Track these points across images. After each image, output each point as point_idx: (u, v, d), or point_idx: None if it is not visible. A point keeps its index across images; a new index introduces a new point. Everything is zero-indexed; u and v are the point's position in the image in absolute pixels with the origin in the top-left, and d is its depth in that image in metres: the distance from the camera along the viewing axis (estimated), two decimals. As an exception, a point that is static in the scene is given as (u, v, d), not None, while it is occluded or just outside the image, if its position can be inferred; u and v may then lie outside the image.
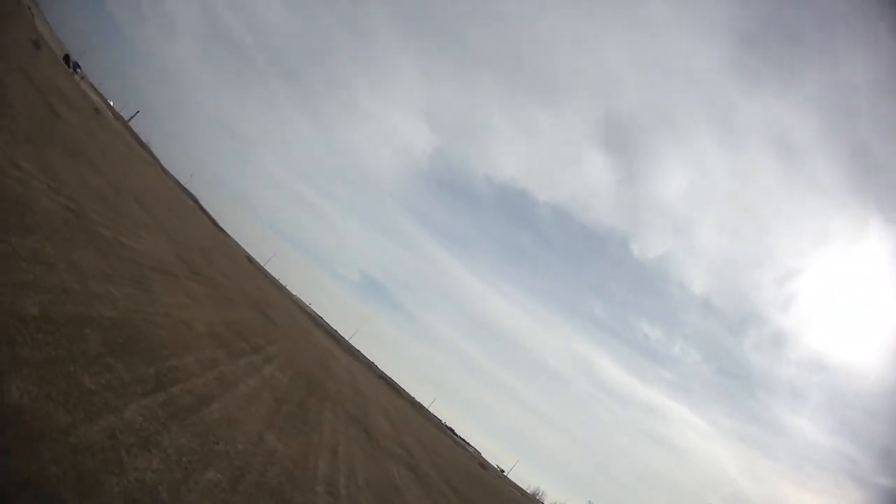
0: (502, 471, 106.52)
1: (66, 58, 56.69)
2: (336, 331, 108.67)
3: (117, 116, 72.54)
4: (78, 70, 65.01)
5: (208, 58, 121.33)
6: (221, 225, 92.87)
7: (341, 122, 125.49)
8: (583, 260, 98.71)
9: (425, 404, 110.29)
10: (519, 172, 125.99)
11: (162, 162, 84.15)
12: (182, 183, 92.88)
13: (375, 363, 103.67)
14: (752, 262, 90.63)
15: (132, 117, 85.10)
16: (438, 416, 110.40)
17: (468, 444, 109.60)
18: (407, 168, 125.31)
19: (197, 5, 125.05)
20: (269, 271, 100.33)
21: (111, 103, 76.50)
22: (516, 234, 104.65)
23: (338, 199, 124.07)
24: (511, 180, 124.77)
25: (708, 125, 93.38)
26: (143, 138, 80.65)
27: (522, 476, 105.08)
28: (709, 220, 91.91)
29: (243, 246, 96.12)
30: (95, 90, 69.74)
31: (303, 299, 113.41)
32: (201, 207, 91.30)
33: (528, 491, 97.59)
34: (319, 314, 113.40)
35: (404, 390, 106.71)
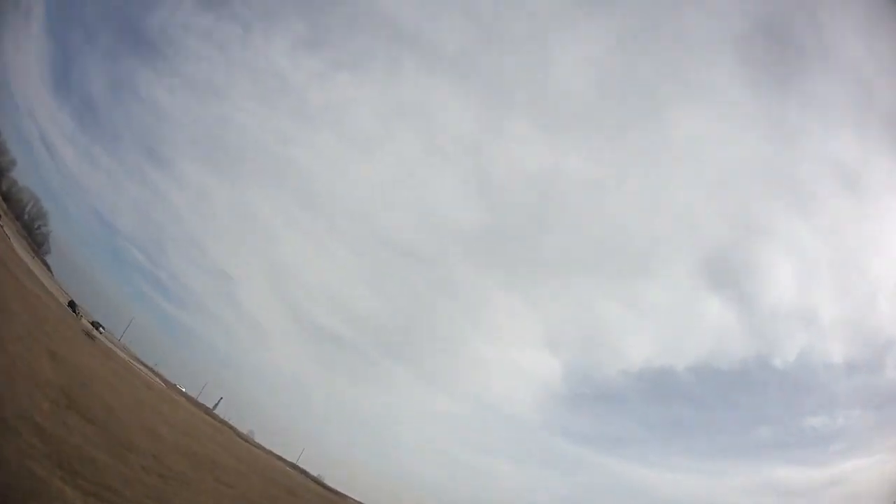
0: None
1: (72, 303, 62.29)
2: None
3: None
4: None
5: (313, 354, 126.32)
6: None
7: (464, 379, 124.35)
8: (736, 401, 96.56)
9: None
10: (650, 353, 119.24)
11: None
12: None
13: None
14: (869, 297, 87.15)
15: (216, 405, 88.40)
16: None
17: None
18: (542, 396, 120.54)
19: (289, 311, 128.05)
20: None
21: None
22: (668, 410, 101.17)
23: (487, 450, 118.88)
24: (646, 364, 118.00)
25: (790, 214, 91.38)
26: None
27: None
28: (825, 293, 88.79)
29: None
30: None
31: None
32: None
33: None
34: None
35: None
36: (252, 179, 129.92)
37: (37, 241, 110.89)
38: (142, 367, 78.81)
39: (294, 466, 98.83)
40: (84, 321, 65.00)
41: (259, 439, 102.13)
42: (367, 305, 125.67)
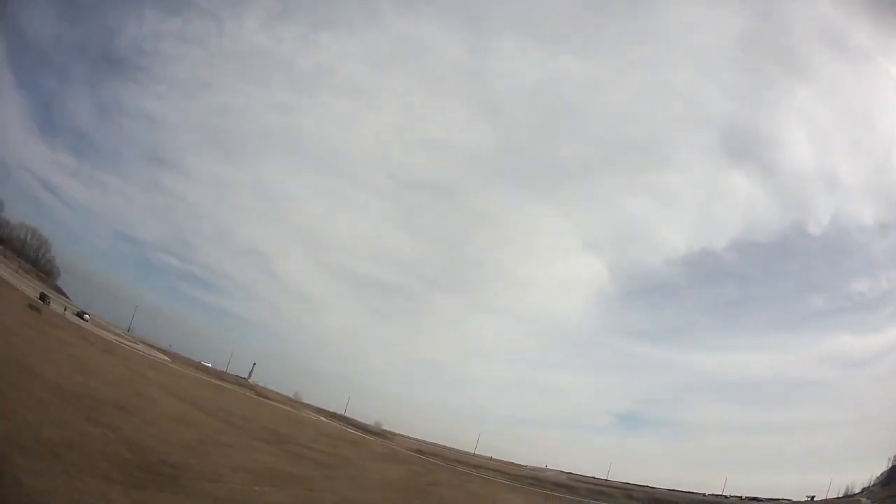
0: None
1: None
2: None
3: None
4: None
5: (362, 306, 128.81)
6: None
7: (514, 299, 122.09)
8: (781, 271, 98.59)
9: None
10: (688, 239, 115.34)
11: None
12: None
13: None
14: (883, 155, 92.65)
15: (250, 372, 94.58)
16: None
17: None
18: (593, 300, 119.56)
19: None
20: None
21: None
22: (718, 290, 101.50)
23: (550, 365, 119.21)
24: (687, 249, 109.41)
25: (791, 83, 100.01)
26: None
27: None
28: (841, 156, 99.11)
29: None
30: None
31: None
32: None
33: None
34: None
35: None
36: (263, 157, 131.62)
37: (44, 270, 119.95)
38: (138, 345, 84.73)
39: (341, 417, 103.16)
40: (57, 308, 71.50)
41: (308, 399, 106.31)
42: (405, 247, 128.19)
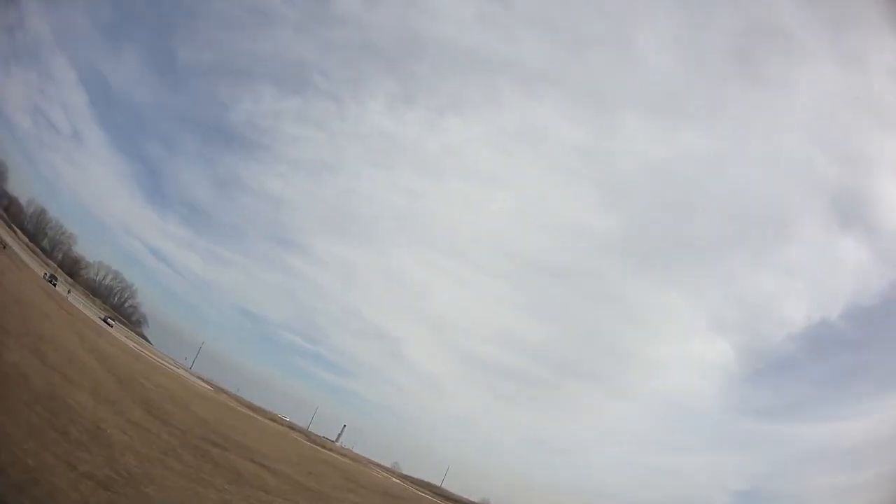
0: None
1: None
2: None
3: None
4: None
5: (487, 391, 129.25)
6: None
7: (640, 383, 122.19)
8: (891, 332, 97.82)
9: None
10: (806, 311, 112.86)
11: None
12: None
13: None
14: None
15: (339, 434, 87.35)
16: None
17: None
18: (718, 381, 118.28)
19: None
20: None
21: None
22: (835, 360, 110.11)
23: (674, 448, 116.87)
24: (805, 322, 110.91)
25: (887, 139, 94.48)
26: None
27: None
28: None
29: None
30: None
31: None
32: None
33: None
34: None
35: None
36: (390, 239, 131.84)
37: (125, 315, 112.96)
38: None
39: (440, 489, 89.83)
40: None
41: (408, 471, 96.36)
42: (532, 332, 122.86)
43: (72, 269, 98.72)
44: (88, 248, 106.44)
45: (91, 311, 67.55)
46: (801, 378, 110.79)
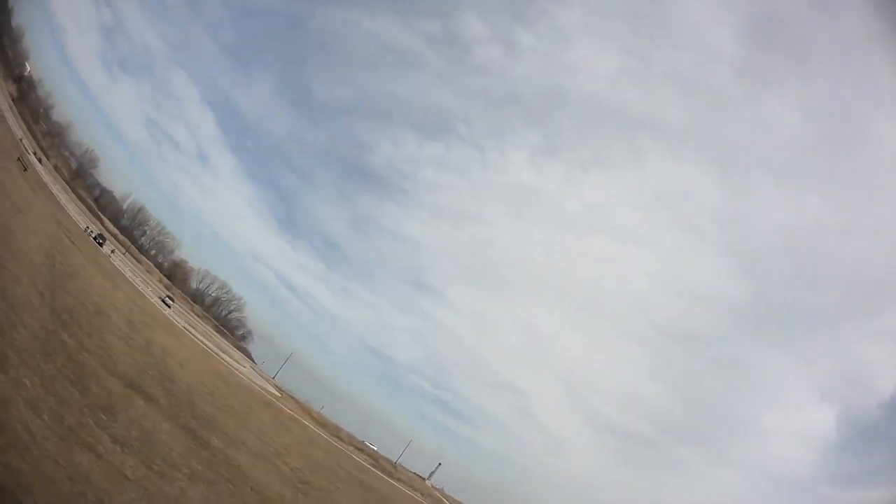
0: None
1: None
2: None
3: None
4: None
5: (604, 452, 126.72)
6: None
7: (748, 451, 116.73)
8: None
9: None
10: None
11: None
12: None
13: None
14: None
15: (432, 472, 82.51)
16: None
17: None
18: (821, 451, 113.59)
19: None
20: None
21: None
22: None
23: None
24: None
25: None
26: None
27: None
28: None
29: None
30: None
31: None
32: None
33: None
34: None
35: None
36: (525, 292, 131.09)
37: (229, 328, 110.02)
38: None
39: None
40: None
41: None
42: (655, 395, 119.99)
43: (172, 271, 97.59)
44: (201, 259, 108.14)
45: (153, 290, 60.41)
46: (888, 444, 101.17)
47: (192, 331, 56.51)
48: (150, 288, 59.46)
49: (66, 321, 21.27)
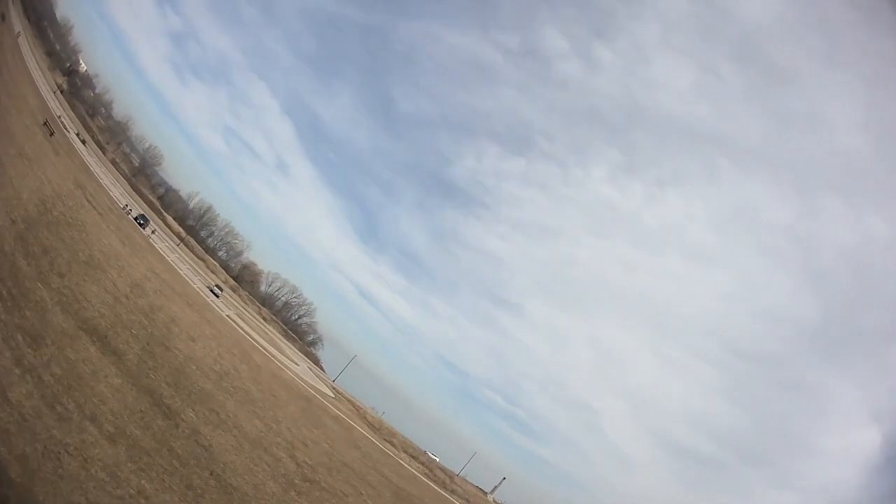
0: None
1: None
2: None
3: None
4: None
5: (673, 474, 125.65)
6: None
7: (810, 474, 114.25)
8: None
9: None
10: None
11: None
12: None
13: None
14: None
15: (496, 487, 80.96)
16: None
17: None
18: (869, 472, 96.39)
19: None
20: None
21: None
22: None
23: None
24: None
25: None
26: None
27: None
28: None
29: None
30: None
31: None
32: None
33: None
34: None
35: None
36: (602, 310, 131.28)
37: (298, 333, 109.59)
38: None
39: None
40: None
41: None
42: (724, 416, 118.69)
43: (240, 273, 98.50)
44: (273, 264, 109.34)
45: (201, 280, 58.96)
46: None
47: (239, 321, 54.06)
48: (198, 277, 58.07)
49: (34, 253, 19.17)
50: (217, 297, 56.33)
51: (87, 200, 32.74)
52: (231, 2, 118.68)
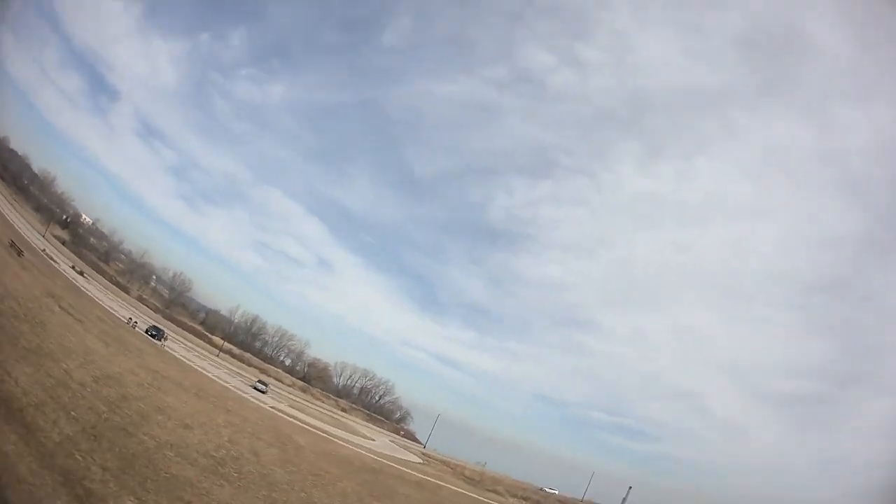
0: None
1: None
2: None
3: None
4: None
5: (783, 423, 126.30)
6: None
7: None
8: None
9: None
10: None
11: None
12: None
13: None
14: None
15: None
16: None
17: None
18: None
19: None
20: None
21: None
22: None
23: None
24: None
25: None
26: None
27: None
28: None
29: None
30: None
31: None
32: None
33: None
34: None
35: None
36: (671, 297, 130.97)
37: (384, 413, 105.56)
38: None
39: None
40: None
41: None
42: (814, 351, 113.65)
43: (307, 373, 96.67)
44: (339, 356, 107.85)
45: (244, 380, 56.33)
46: None
47: (290, 410, 50.36)
48: (239, 378, 55.61)
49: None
50: (263, 392, 53.42)
51: (61, 307, 30.84)
52: (219, 123, 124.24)
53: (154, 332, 50.49)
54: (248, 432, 32.22)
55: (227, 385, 47.06)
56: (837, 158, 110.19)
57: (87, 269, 66.58)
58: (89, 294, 49.29)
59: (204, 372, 46.40)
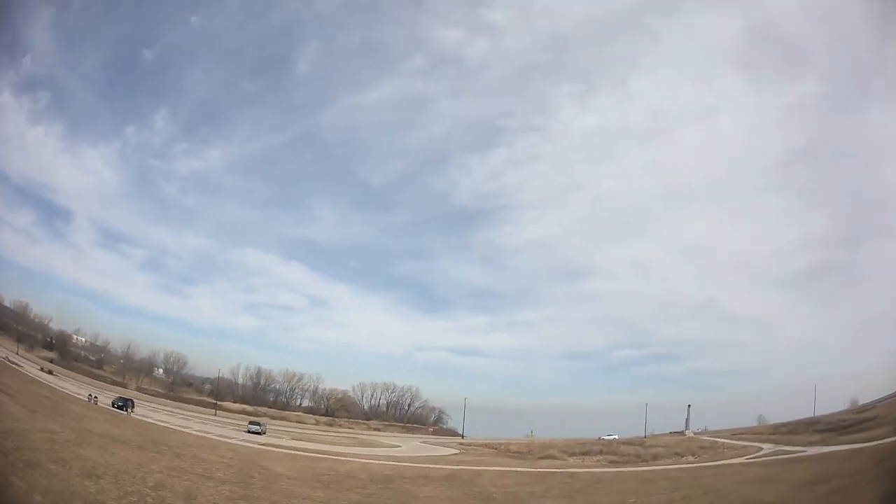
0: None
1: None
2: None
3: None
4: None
5: None
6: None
7: None
8: None
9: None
10: None
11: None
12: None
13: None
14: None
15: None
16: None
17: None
18: None
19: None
20: None
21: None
22: None
23: None
24: None
25: None
26: None
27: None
28: None
29: None
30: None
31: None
32: None
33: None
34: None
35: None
36: (666, 219, 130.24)
37: (419, 421, 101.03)
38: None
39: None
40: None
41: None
42: (811, 224, 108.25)
43: (331, 407, 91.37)
44: (359, 377, 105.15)
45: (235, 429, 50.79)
46: None
47: (291, 443, 44.73)
48: (229, 429, 50.10)
49: None
50: (258, 434, 47.89)
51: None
52: (172, 204, 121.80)
53: (121, 403, 46.94)
54: (197, 474, 26.16)
55: (207, 435, 41.60)
56: (772, 33, 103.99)
57: (52, 367, 62.98)
58: (44, 381, 44.33)
59: (177, 429, 40.97)
